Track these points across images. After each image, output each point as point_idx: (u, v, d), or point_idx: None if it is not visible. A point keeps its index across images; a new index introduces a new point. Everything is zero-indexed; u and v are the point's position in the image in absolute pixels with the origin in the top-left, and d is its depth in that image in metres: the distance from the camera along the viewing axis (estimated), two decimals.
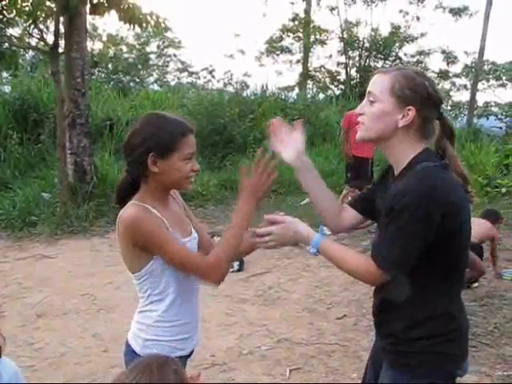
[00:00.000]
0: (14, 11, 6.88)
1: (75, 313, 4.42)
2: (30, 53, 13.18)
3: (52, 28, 7.15)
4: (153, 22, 7.31)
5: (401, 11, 17.79)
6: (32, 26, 7.05)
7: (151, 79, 21.16)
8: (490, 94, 17.77)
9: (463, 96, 19.23)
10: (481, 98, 17.97)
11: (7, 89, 11.20)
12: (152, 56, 21.71)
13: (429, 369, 1.62)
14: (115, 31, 19.95)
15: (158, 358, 1.19)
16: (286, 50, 19.05)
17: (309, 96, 15.11)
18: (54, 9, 6.96)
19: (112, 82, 17.16)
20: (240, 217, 1.73)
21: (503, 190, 9.00)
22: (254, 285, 5.10)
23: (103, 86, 13.88)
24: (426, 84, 1.62)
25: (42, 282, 5.10)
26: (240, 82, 16.70)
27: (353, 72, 17.93)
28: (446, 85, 19.02)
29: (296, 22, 18.04)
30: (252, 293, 4.89)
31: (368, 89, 1.69)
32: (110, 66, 18.45)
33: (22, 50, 8.24)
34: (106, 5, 6.99)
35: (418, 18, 17.64)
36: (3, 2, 6.84)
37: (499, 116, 16.68)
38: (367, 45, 17.36)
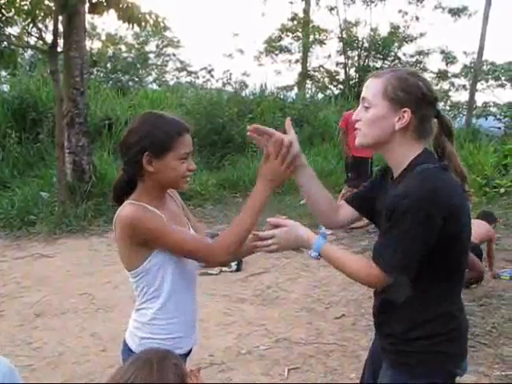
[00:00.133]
0: (13, 10, 6.87)
1: (73, 312, 4.42)
2: (29, 52, 13.18)
3: (51, 27, 7.15)
4: (152, 22, 7.31)
5: (400, 11, 17.82)
6: (31, 25, 7.04)
7: (150, 78, 21.18)
8: (489, 94, 17.81)
9: (462, 96, 19.26)
10: (480, 99, 17.97)
11: (6, 88, 11.19)
12: (151, 55, 21.74)
13: (428, 368, 1.62)
14: (114, 30, 20.00)
15: (158, 352, 1.18)
16: (285, 50, 19.06)
17: (308, 96, 15.12)
18: (53, 8, 6.96)
19: (111, 82, 17.17)
20: (256, 199, 1.73)
21: (502, 190, 9.01)
22: (253, 284, 5.10)
23: (102, 86, 13.88)
24: (420, 84, 1.61)
25: (41, 282, 5.09)
26: (239, 82, 16.72)
27: (352, 72, 17.94)
28: (445, 85, 19.06)
29: (295, 22, 18.05)
30: (250, 292, 4.89)
31: (362, 94, 1.68)
32: (108, 65, 18.44)
33: (20, 48, 8.23)
34: (104, 4, 7.01)
35: (417, 18, 17.67)
36: (2, 1, 6.84)
37: (498, 116, 16.68)
38: (366, 45, 17.36)
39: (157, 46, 21.97)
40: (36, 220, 6.94)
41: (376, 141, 1.66)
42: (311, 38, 17.90)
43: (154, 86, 19.14)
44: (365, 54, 17.52)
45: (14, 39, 7.25)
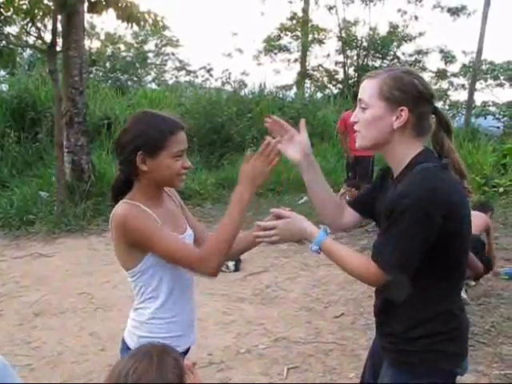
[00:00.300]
0: (12, 9, 6.86)
1: (72, 312, 4.42)
2: (28, 51, 13.13)
3: (50, 26, 7.14)
4: (151, 21, 7.31)
5: (399, 10, 17.79)
6: (30, 24, 7.03)
7: (149, 78, 21.18)
8: (488, 93, 17.79)
9: (461, 95, 19.18)
10: (479, 98, 17.90)
11: (5, 87, 11.19)
12: (150, 55, 21.70)
13: (429, 367, 1.62)
14: (113, 30, 19.98)
15: (158, 346, 1.19)
16: (284, 49, 19.03)
17: (307, 95, 15.12)
18: (52, 7, 6.95)
19: (110, 81, 17.15)
20: (237, 202, 1.70)
21: (500, 189, 9.01)
22: (252, 284, 5.10)
23: (101, 85, 13.88)
24: (415, 82, 1.60)
25: (40, 281, 5.09)
26: (238, 81, 16.69)
27: (351, 71, 17.92)
28: (444, 84, 19.04)
29: (294, 21, 18.03)
30: (249, 292, 4.89)
31: (358, 96, 1.68)
32: (107, 64, 18.43)
33: (19, 48, 8.20)
34: (103, 3, 7.00)
35: (416, 18, 17.64)
36: (1, 0, 6.82)
37: (497, 116, 16.67)
38: (365, 44, 17.34)
39: (156, 46, 21.94)
40: (35, 219, 6.94)
41: (375, 142, 1.66)
42: (310, 37, 17.89)
43: (153, 86, 19.15)
44: (364, 53, 17.51)
45: (12, 38, 7.24)
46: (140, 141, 1.69)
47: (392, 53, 17.89)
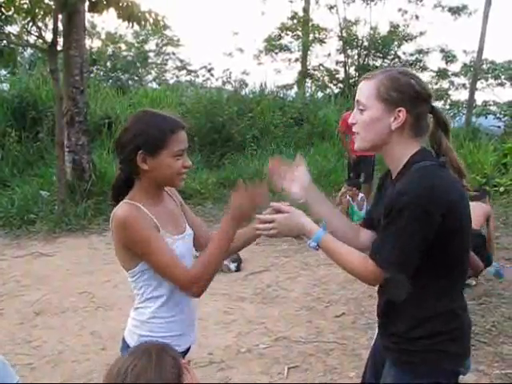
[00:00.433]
0: (13, 8, 6.86)
1: (73, 311, 4.42)
2: (29, 50, 13.15)
3: (50, 26, 7.15)
4: (151, 20, 7.32)
5: (400, 10, 17.76)
6: (30, 24, 7.04)
7: (150, 77, 21.18)
8: (489, 93, 17.76)
9: (462, 95, 19.14)
10: (479, 97, 17.86)
11: (6, 87, 11.20)
12: (151, 54, 21.70)
13: (431, 367, 1.62)
14: (114, 29, 19.95)
15: (157, 344, 1.21)
16: (285, 49, 19.01)
17: (307, 94, 15.11)
18: (53, 6, 6.96)
19: (110, 80, 17.16)
20: (224, 235, 1.77)
21: (501, 189, 9.02)
22: (253, 283, 5.10)
23: (102, 84, 13.89)
24: (412, 82, 1.61)
25: (40, 280, 5.10)
26: (239, 81, 16.68)
27: (352, 71, 17.90)
28: (445, 84, 19.01)
29: (295, 21, 18.01)
30: (250, 291, 4.89)
31: (356, 97, 1.68)
32: (108, 64, 18.42)
33: (20, 47, 8.22)
34: (104, 2, 7.01)
35: (416, 17, 17.62)
36: (1, 0, 6.83)
37: (498, 115, 16.64)
38: (366, 43, 17.33)
39: (156, 45, 21.93)
40: (36, 219, 6.94)
41: (374, 143, 1.66)
42: (311, 36, 17.88)
43: (154, 85, 19.15)
44: (364, 52, 17.50)
45: (13, 38, 7.25)
46: (140, 140, 1.69)
47: (393, 52, 17.87)
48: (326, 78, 18.99)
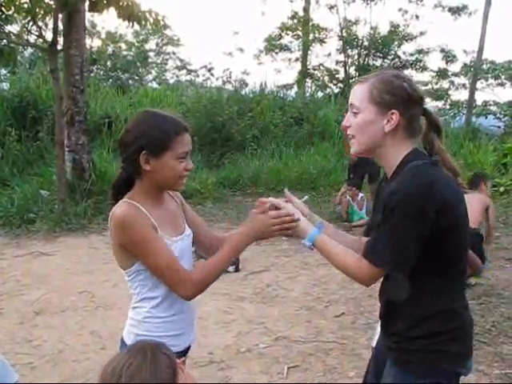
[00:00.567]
0: (13, 8, 6.87)
1: (73, 310, 4.42)
2: (29, 50, 13.16)
3: (51, 25, 7.15)
4: (152, 20, 7.32)
5: (400, 10, 17.76)
6: (31, 23, 7.04)
7: (150, 77, 21.22)
8: (489, 92, 17.75)
9: (462, 95, 19.14)
10: (479, 97, 17.86)
11: (6, 86, 11.21)
12: (151, 54, 21.74)
13: (429, 367, 1.61)
14: (114, 29, 20.00)
15: (152, 343, 1.21)
16: (285, 49, 19.02)
17: (307, 94, 15.13)
18: (53, 6, 6.96)
19: (111, 80, 17.17)
20: (233, 250, 1.76)
21: (501, 189, 9.03)
22: (252, 283, 5.10)
23: (102, 84, 13.91)
24: (405, 85, 1.62)
25: (40, 280, 5.10)
26: (239, 80, 16.73)
27: (352, 70, 17.90)
28: (445, 84, 18.99)
29: (295, 21, 18.01)
30: (250, 291, 4.89)
31: (349, 100, 1.69)
32: (108, 63, 18.45)
33: (20, 46, 8.23)
34: (105, 2, 7.01)
35: (417, 17, 17.61)
36: None
37: (498, 115, 16.64)
38: (366, 43, 17.33)
39: (157, 45, 21.96)
40: (36, 218, 6.94)
41: (369, 146, 1.67)
42: (311, 36, 17.88)
43: (154, 85, 19.19)
44: (365, 52, 17.50)
45: (13, 37, 7.25)
46: (144, 140, 1.68)
47: (393, 52, 17.87)
48: (326, 78, 18.99)
